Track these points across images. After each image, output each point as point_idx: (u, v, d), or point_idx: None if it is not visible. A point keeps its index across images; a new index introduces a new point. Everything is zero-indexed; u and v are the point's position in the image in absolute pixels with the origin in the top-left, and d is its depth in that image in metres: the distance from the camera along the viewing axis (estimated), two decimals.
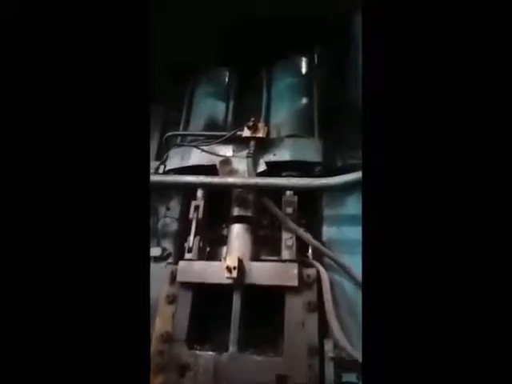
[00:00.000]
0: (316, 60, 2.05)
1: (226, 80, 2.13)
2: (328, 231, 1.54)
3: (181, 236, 1.67)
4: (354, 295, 1.37)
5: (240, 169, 1.67)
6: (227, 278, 1.36)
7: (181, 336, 1.37)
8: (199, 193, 1.66)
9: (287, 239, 1.48)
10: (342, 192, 1.56)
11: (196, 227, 1.55)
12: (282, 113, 1.87)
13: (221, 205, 1.70)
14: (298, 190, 1.57)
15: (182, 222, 1.71)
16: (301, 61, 2.06)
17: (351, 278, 1.40)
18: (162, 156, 1.91)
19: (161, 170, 1.85)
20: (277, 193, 1.59)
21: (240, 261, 1.39)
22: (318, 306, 1.34)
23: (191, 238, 1.54)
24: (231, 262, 1.36)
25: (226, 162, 1.69)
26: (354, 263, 1.39)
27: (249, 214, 1.63)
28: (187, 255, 1.52)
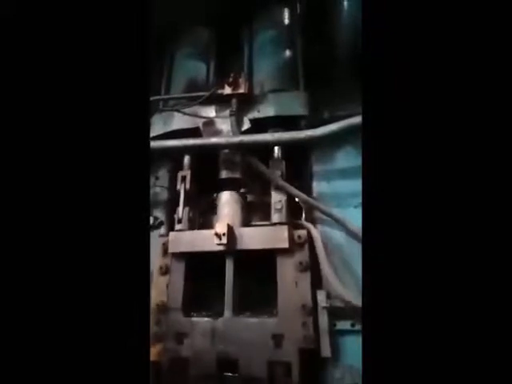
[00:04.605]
0: (298, 9, 1.93)
1: (206, 39, 2.02)
2: (318, 186, 1.50)
3: (171, 205, 1.64)
4: (345, 247, 1.36)
5: (224, 128, 1.61)
6: (217, 244, 1.36)
7: (176, 305, 1.38)
8: (186, 159, 1.64)
9: (276, 202, 1.44)
10: (329, 147, 1.51)
11: (184, 198, 1.54)
12: (265, 67, 1.78)
13: (209, 171, 1.65)
14: (283, 145, 1.52)
15: (171, 191, 1.68)
16: (282, 11, 1.94)
17: (345, 229, 1.37)
18: None
19: None
20: (263, 150, 1.54)
21: (229, 227, 1.37)
22: (311, 265, 1.32)
23: (180, 208, 1.53)
24: (220, 228, 1.36)
25: (209, 122, 1.63)
26: (346, 216, 1.37)
27: (237, 175, 1.60)
28: (177, 226, 1.52)
